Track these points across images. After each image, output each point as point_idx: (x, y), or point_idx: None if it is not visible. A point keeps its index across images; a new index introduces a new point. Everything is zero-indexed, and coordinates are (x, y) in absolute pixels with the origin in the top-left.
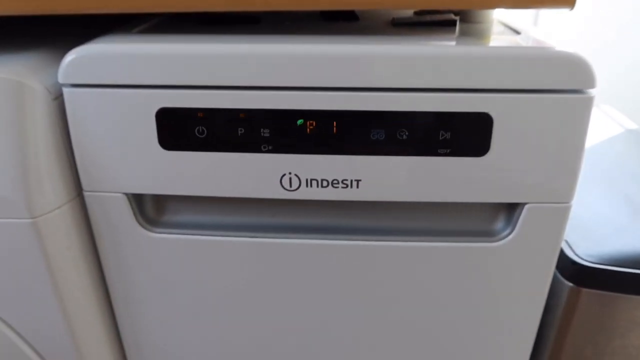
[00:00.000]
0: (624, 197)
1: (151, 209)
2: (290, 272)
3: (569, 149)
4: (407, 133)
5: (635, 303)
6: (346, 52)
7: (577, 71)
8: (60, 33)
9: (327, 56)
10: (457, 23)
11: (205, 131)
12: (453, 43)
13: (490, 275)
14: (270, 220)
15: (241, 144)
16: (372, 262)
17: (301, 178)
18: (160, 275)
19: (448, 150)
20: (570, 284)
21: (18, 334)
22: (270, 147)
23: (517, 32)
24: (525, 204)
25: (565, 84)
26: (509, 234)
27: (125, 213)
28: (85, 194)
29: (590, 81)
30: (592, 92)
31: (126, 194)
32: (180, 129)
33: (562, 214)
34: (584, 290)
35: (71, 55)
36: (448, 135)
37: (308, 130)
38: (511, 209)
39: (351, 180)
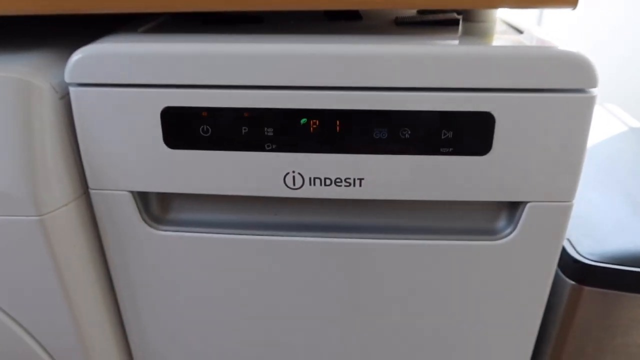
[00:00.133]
0: (626, 195)
1: (156, 207)
2: (294, 269)
3: (571, 147)
4: (409, 132)
5: (637, 301)
6: (349, 52)
7: (579, 70)
8: (61, 33)
9: (331, 55)
10: (460, 22)
11: (210, 130)
12: (456, 42)
13: (492, 274)
14: (274, 218)
15: (245, 143)
16: (375, 260)
17: (304, 176)
18: (165, 272)
19: (450, 149)
20: (572, 282)
21: (26, 330)
22: (274, 146)
23: (520, 32)
24: (527, 202)
25: (567, 83)
26: (511, 232)
27: (130, 211)
28: (91, 191)
29: (592, 80)
30: (594, 91)
31: (132, 192)
32: (185, 128)
33: (563, 213)
34: (586, 288)
35: (78, 55)
36: (450, 134)
37: (311, 129)
38: (513, 208)
39: (354, 179)
